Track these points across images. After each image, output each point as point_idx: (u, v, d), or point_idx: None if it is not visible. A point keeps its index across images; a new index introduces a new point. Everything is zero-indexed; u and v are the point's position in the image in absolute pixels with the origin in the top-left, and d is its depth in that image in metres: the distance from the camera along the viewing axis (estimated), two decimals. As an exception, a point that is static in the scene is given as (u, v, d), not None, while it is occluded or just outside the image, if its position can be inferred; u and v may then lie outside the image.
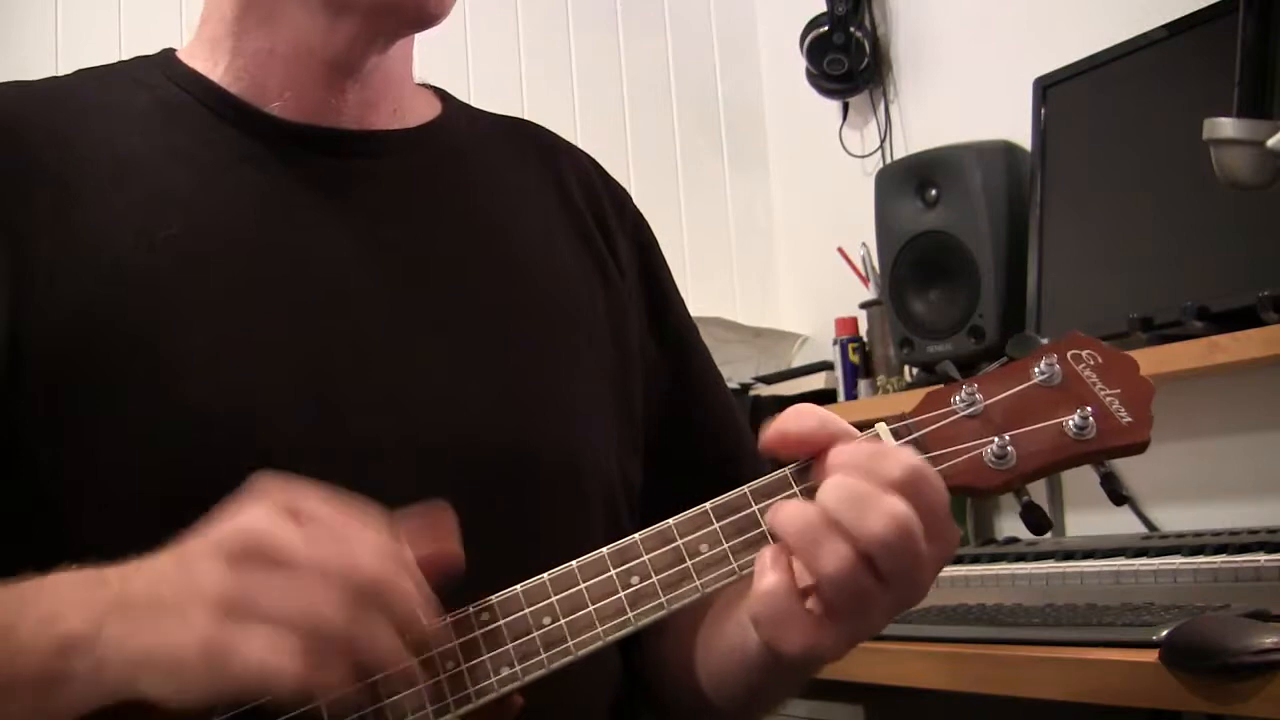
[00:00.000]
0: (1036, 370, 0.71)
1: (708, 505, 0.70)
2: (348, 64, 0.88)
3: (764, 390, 2.33)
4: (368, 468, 0.80)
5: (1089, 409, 0.69)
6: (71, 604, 0.64)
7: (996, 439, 0.69)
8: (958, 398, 0.71)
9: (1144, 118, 1.74)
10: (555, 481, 0.86)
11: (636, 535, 0.69)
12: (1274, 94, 1.07)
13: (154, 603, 0.62)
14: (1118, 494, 0.71)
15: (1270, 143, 1.04)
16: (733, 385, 2.30)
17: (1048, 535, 0.72)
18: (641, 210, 1.06)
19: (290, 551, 0.61)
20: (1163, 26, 1.71)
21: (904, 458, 0.65)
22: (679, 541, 0.69)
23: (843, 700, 1.63)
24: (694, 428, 0.99)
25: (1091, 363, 0.72)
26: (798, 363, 2.46)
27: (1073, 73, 1.84)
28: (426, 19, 0.86)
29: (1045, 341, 0.74)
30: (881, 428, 0.70)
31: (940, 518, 0.66)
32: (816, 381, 2.29)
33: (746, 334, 2.46)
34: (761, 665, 0.78)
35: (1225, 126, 1.08)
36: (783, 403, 2.26)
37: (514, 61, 2.41)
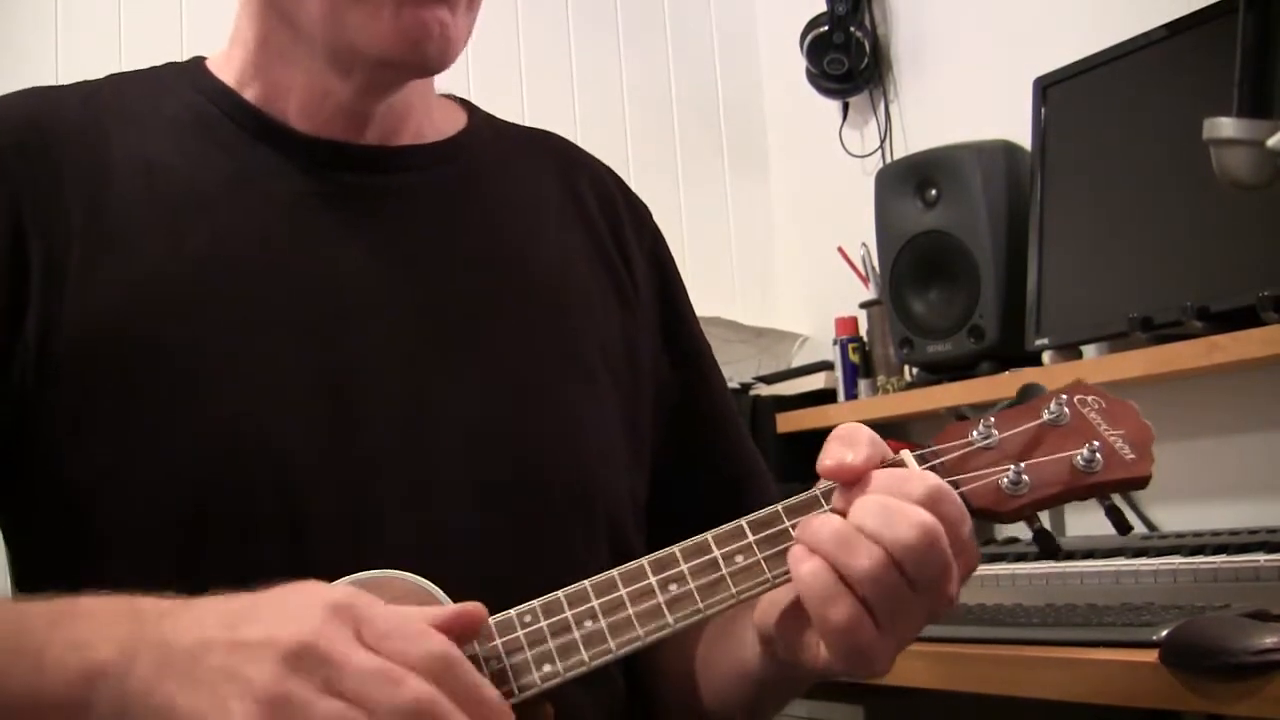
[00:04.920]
0: (1046, 411, 0.76)
1: (743, 520, 0.74)
2: (362, 107, 0.89)
3: (764, 390, 2.33)
4: (381, 482, 0.81)
5: (1096, 444, 0.74)
6: (102, 634, 0.64)
7: (1012, 468, 0.74)
8: (975, 431, 0.75)
9: (1144, 118, 1.74)
10: (567, 499, 0.87)
11: (675, 547, 0.73)
12: (1274, 94, 1.07)
13: (195, 666, 0.61)
14: (1123, 524, 0.75)
15: (1270, 143, 1.04)
16: (733, 385, 2.30)
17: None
18: (642, 210, 1.06)
19: (345, 670, 0.60)
20: (1163, 26, 1.71)
21: (926, 478, 0.70)
22: (716, 552, 0.73)
23: (843, 700, 1.63)
24: (704, 448, 1.00)
25: (1096, 406, 0.77)
26: (798, 363, 2.46)
27: (1073, 73, 1.84)
28: (431, 69, 0.87)
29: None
30: (907, 455, 0.74)
31: (961, 532, 0.70)
32: (816, 381, 2.29)
33: (747, 334, 2.46)
34: (760, 677, 0.82)
35: (1225, 126, 1.08)
36: (783, 403, 2.26)
37: (514, 61, 2.41)
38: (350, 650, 0.60)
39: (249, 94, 0.89)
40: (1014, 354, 1.88)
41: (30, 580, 0.83)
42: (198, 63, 0.93)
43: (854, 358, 2.22)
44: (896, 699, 1.51)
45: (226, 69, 0.91)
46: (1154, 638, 1.14)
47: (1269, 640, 1.05)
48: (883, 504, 0.69)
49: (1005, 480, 0.73)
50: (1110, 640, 1.20)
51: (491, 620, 0.70)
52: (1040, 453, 0.74)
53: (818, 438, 2.37)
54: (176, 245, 0.82)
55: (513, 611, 0.71)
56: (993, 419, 0.76)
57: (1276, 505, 1.64)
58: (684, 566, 0.72)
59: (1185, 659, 1.10)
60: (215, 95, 0.90)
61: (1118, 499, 0.76)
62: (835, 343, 2.25)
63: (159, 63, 0.96)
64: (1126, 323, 1.64)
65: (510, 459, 0.85)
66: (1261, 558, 1.27)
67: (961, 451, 0.75)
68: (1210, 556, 1.33)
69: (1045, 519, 0.78)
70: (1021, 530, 0.77)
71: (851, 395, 2.21)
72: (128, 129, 0.87)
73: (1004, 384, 1.85)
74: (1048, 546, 0.75)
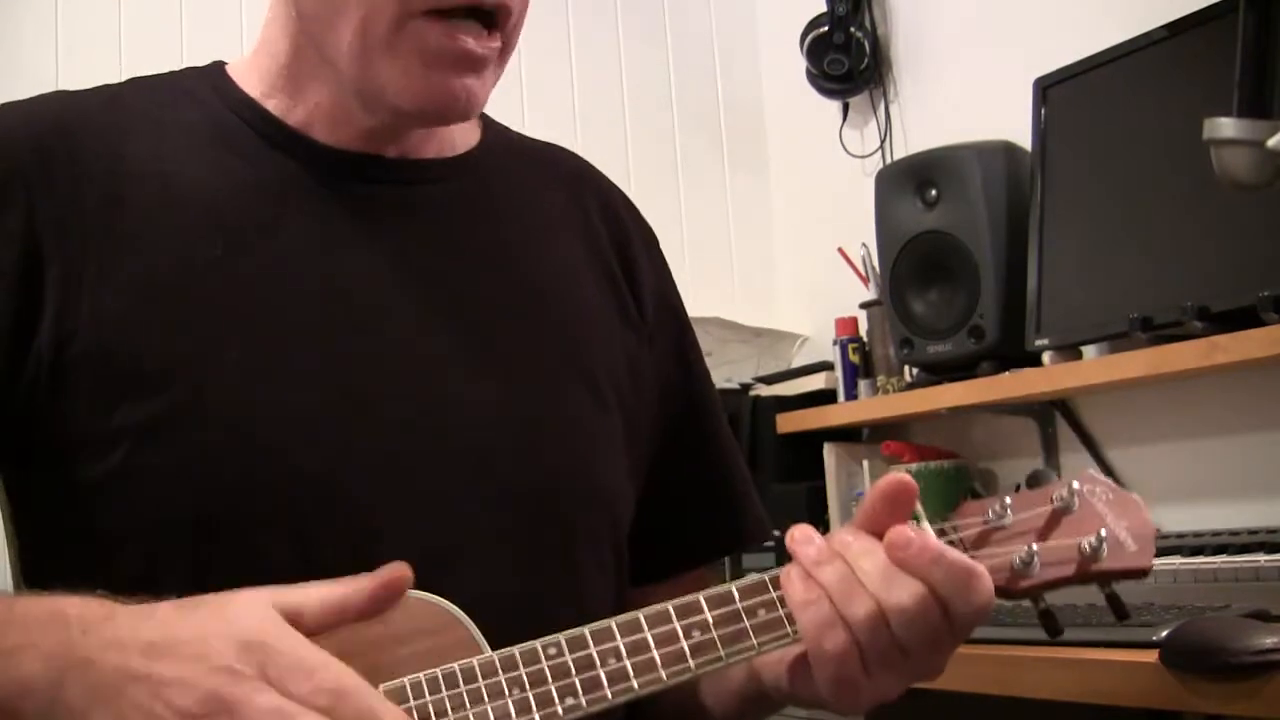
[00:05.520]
0: (1058, 497, 0.79)
1: (765, 575, 0.76)
2: (383, 135, 0.90)
3: (764, 390, 2.33)
4: (390, 488, 0.81)
5: (1103, 533, 0.77)
6: (32, 647, 0.66)
7: (1024, 549, 0.76)
8: (992, 510, 0.78)
9: (1144, 118, 1.74)
10: (575, 507, 0.88)
11: (700, 594, 0.75)
12: (1274, 94, 1.07)
13: (117, 697, 0.64)
14: (1123, 611, 0.78)
15: (1270, 143, 1.04)
16: (733, 385, 2.30)
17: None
18: (642, 211, 1.06)
19: (245, 713, 0.63)
20: (1163, 26, 1.71)
21: (987, 591, 0.73)
22: (738, 604, 0.75)
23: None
24: (702, 474, 1.01)
25: (1104, 497, 0.80)
26: (798, 363, 2.46)
27: (1073, 73, 1.84)
28: (454, 123, 0.89)
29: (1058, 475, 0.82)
30: (927, 527, 0.76)
31: (956, 606, 0.73)
32: (816, 381, 2.29)
33: (746, 334, 2.46)
34: (742, 696, 0.86)
35: (1225, 126, 1.08)
36: (783, 403, 2.26)
37: (514, 62, 2.41)
38: (252, 692, 0.63)
39: (272, 105, 0.89)
40: (1014, 354, 1.88)
41: (41, 577, 0.83)
42: (219, 68, 0.93)
43: (854, 358, 2.22)
44: (896, 699, 1.51)
45: (250, 77, 0.91)
46: (1154, 638, 1.14)
47: (1269, 640, 1.06)
48: (888, 567, 0.72)
49: (1018, 559, 0.76)
50: (1110, 640, 1.21)
51: (516, 650, 0.72)
52: (1051, 536, 0.78)
53: (818, 438, 2.37)
54: (191, 253, 0.83)
55: (537, 643, 0.72)
56: (1008, 500, 0.78)
57: (1276, 505, 1.64)
58: (708, 614, 0.74)
59: (1185, 659, 1.10)
60: (236, 104, 0.90)
61: (1130, 610, 0.80)
62: (835, 343, 2.25)
63: (158, 66, 0.95)
64: (1126, 323, 1.64)
65: (520, 467, 0.86)
66: (1261, 558, 1.28)
67: (978, 529, 0.78)
68: (1210, 556, 1.34)
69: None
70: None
71: (851, 396, 2.21)
72: (147, 135, 0.87)
73: (1004, 384, 1.85)
74: (1052, 627, 0.78)
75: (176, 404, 0.79)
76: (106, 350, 0.79)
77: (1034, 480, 0.81)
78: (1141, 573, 0.78)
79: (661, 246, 1.06)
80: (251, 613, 0.67)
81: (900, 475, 0.75)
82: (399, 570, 0.71)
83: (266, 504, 0.78)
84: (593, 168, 1.06)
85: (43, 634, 0.67)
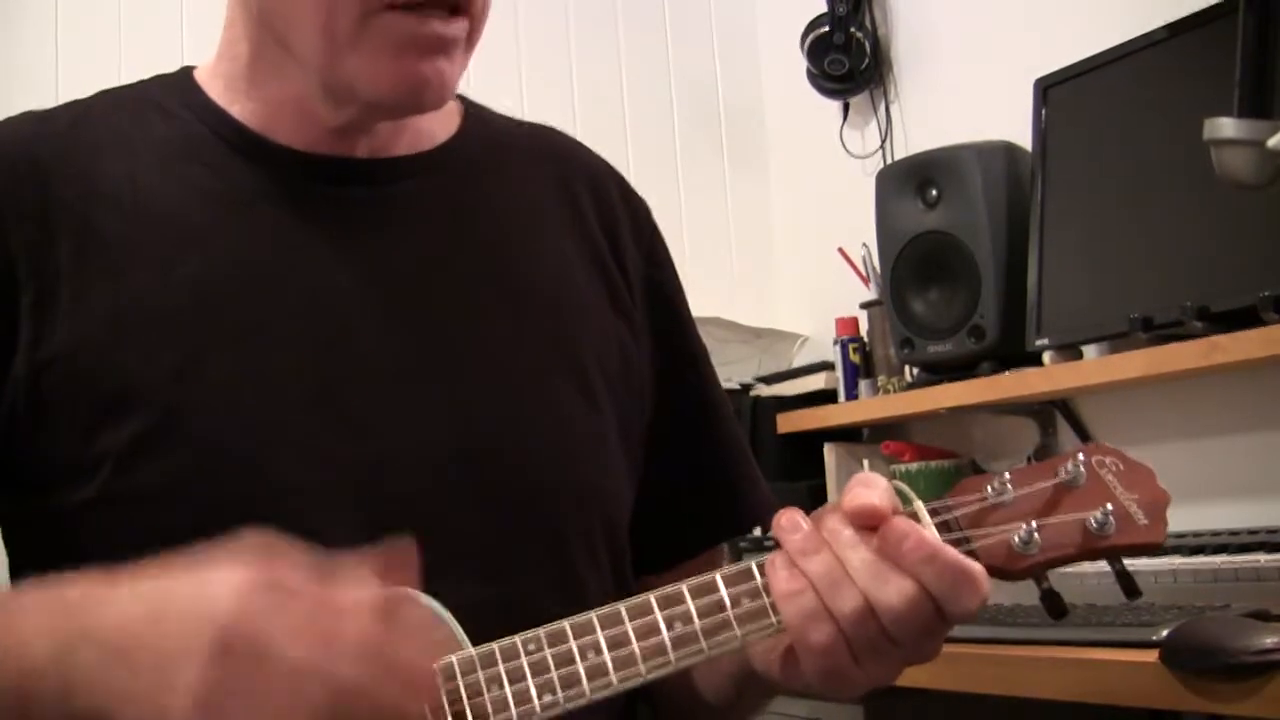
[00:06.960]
0: (1063, 470, 0.76)
1: (752, 562, 0.74)
2: (353, 130, 0.88)
3: (764, 391, 2.33)
4: (378, 496, 0.81)
5: (1110, 508, 0.74)
6: (38, 631, 0.66)
7: (1024, 526, 0.74)
8: (990, 487, 0.75)
9: (1144, 118, 1.74)
10: (566, 507, 0.87)
11: (683, 584, 0.73)
12: (1274, 94, 1.07)
13: (127, 660, 0.63)
14: (1132, 589, 0.76)
15: (1270, 143, 1.04)
16: (733, 385, 2.30)
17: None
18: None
19: (272, 649, 0.62)
20: (1163, 27, 1.71)
21: (925, 545, 0.70)
22: (723, 593, 0.73)
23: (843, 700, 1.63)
24: (699, 452, 0.99)
25: (1114, 469, 0.77)
26: (798, 363, 2.46)
27: (1073, 73, 1.84)
28: (427, 111, 0.87)
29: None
30: (920, 509, 0.74)
31: (950, 602, 0.70)
32: (817, 381, 2.29)
33: (746, 334, 2.46)
34: (734, 678, 0.84)
35: (1225, 126, 1.08)
36: (783, 403, 2.26)
37: (513, 61, 2.42)
38: (276, 632, 0.62)
39: (237, 110, 0.88)
40: (1014, 354, 1.88)
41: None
42: (186, 74, 0.92)
43: (854, 358, 2.22)
44: (896, 699, 1.51)
45: (214, 83, 0.90)
46: (1154, 638, 1.14)
47: (1269, 640, 1.06)
48: (877, 562, 0.70)
49: (1016, 539, 0.73)
50: (1110, 640, 1.21)
51: (495, 646, 0.71)
52: (1053, 513, 0.75)
53: (818, 438, 2.37)
54: (166, 274, 0.82)
55: (517, 638, 0.71)
56: (1008, 476, 0.76)
57: (1276, 505, 1.64)
58: (690, 604, 0.72)
59: (1185, 659, 1.10)
60: (204, 113, 0.89)
61: (1140, 588, 0.77)
62: (836, 343, 2.25)
63: (158, 67, 0.94)
64: (1126, 323, 1.64)
65: (510, 471, 0.85)
66: (1261, 558, 1.28)
67: (975, 507, 0.75)
68: (1210, 556, 1.34)
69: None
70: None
71: (852, 395, 2.21)
72: (116, 152, 0.86)
73: (1004, 384, 1.85)
74: (1055, 608, 0.75)
75: (156, 426, 0.78)
76: (84, 376, 0.79)
77: (1042, 454, 0.79)
78: (1152, 547, 0.75)
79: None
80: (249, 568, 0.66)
81: (867, 500, 0.72)
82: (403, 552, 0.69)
83: (248, 521, 0.78)
84: (582, 147, 1.03)
85: (46, 619, 0.66)
